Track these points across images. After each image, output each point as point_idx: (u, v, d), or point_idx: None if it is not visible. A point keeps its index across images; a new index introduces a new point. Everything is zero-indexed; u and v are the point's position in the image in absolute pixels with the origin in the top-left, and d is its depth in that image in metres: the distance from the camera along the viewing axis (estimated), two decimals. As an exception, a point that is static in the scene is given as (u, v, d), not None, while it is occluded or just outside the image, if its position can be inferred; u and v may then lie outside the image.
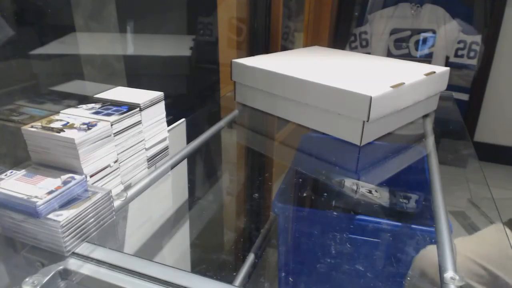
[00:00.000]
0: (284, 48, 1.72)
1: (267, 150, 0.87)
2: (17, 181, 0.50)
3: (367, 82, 0.78)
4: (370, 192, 0.70)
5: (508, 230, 0.60)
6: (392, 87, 0.74)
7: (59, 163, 0.53)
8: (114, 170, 0.59)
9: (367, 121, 0.72)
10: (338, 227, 0.66)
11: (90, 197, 0.50)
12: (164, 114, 0.71)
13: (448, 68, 0.89)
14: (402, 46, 1.81)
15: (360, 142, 0.75)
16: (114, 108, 0.62)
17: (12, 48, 0.58)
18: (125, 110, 0.61)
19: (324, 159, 0.83)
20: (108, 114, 0.59)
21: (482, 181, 0.71)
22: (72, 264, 0.46)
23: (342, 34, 1.94)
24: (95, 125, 0.55)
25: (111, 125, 0.57)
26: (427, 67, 0.89)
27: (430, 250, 0.58)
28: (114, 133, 0.58)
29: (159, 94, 0.69)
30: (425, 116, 0.93)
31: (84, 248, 0.48)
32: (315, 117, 0.82)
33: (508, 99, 1.81)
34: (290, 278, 0.61)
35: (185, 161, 0.78)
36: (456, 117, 1.06)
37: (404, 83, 0.76)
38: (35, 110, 0.58)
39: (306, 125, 0.85)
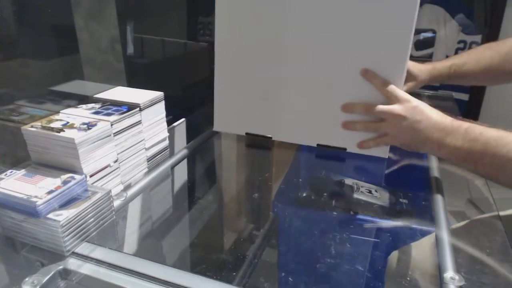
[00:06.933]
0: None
1: (267, 150, 0.87)
2: (17, 181, 0.50)
3: None
4: (370, 192, 0.70)
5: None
6: None
7: (59, 163, 0.53)
8: (114, 170, 0.59)
9: None
10: (338, 227, 0.65)
11: (90, 197, 0.50)
12: (164, 114, 0.71)
13: None
14: (402, 46, 1.82)
15: None
16: (114, 108, 0.62)
17: (11, 48, 0.58)
18: (125, 110, 0.61)
19: (324, 159, 0.83)
20: (108, 114, 0.59)
21: (482, 181, 0.71)
22: (72, 264, 0.46)
23: (342, 34, 1.94)
24: (95, 125, 0.55)
25: (111, 125, 0.57)
26: None
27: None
28: (114, 133, 0.58)
29: (159, 94, 0.68)
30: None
31: (84, 248, 0.48)
32: None
33: (508, 99, 1.81)
34: (290, 278, 0.61)
35: (185, 161, 0.78)
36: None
37: None
38: (35, 110, 0.58)
39: None
